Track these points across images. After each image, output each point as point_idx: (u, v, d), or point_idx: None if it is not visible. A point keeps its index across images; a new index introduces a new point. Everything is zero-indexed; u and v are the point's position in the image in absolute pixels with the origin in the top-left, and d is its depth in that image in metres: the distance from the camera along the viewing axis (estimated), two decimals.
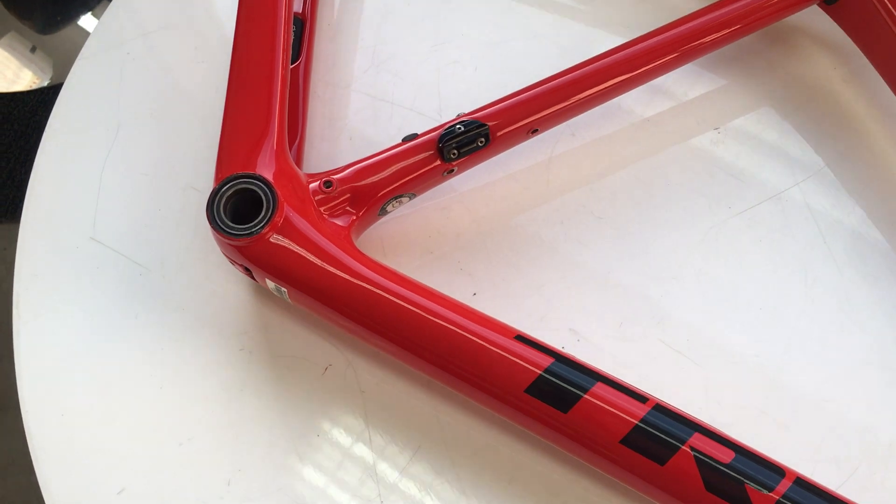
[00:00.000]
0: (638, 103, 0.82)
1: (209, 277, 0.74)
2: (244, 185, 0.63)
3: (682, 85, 0.83)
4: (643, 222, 0.75)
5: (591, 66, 0.71)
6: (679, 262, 0.73)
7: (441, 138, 0.67)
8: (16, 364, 0.72)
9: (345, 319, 0.63)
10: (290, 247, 0.63)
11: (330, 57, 0.85)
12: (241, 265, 0.65)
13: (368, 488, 0.66)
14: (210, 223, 0.63)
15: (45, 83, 1.83)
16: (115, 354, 0.72)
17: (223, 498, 0.66)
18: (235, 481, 0.67)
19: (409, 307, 0.62)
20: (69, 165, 0.81)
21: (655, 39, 0.73)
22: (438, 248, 0.75)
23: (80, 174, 0.80)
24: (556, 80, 0.71)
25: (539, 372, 0.59)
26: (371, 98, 0.82)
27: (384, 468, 0.66)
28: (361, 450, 0.67)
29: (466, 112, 0.70)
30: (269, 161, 0.66)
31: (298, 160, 0.75)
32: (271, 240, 0.63)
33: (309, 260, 0.63)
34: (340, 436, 0.68)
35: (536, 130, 0.71)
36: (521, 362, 0.59)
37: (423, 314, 0.61)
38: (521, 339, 0.61)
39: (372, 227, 0.74)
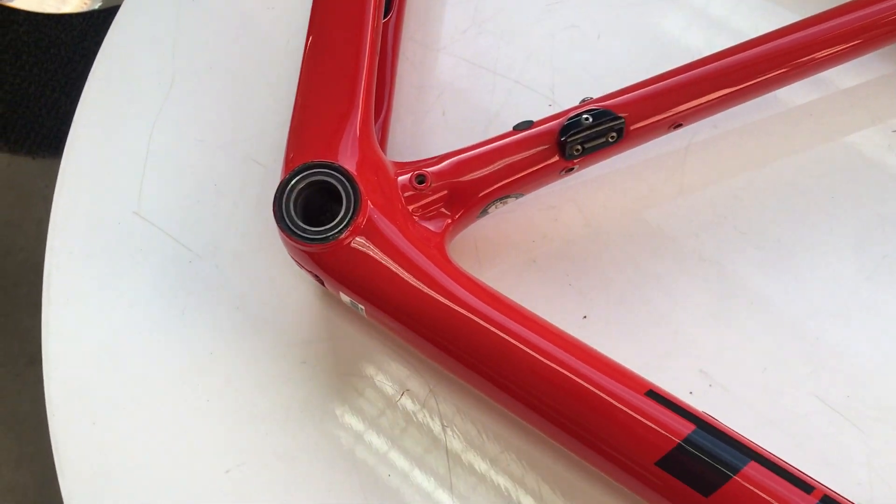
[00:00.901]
0: (791, 87, 0.69)
1: (271, 272, 0.64)
2: (320, 178, 0.53)
3: (849, 70, 0.69)
4: (797, 241, 0.63)
5: (756, 50, 0.58)
6: (842, 296, 0.61)
7: (563, 130, 0.55)
8: (44, 361, 0.64)
9: (434, 350, 0.53)
10: (373, 256, 0.52)
11: (421, 10, 0.73)
12: (311, 272, 0.55)
13: None
14: (277, 223, 0.52)
15: (96, 6, 1.73)
16: (156, 357, 0.63)
17: None
18: (239, 464, 0.58)
19: (514, 343, 0.51)
20: (114, 121, 0.71)
21: (842, 19, 0.59)
22: (543, 256, 0.63)
23: (126, 133, 0.70)
24: (711, 65, 0.58)
25: (676, 441, 0.48)
26: (469, 64, 0.70)
27: None
28: (441, 497, 0.58)
29: (595, 98, 0.57)
30: (352, 146, 0.55)
31: (383, 140, 0.64)
32: (352, 245, 0.52)
33: (394, 274, 0.52)
34: (418, 478, 0.58)
35: (680, 125, 0.59)
36: (655, 427, 0.48)
37: (531, 352, 0.50)
38: (654, 395, 0.50)
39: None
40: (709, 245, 0.63)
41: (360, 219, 0.52)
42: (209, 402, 0.61)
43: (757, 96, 0.61)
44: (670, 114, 0.57)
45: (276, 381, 0.61)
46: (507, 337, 0.51)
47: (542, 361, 0.50)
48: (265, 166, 0.68)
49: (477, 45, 0.70)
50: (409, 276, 0.52)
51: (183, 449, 0.60)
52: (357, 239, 0.52)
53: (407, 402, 0.60)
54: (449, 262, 0.54)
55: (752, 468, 0.47)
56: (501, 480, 0.58)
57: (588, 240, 0.63)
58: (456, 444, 0.59)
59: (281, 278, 0.63)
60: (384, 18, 0.66)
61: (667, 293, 0.61)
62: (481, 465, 0.58)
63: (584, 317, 0.61)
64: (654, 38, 0.70)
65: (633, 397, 0.49)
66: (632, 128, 0.56)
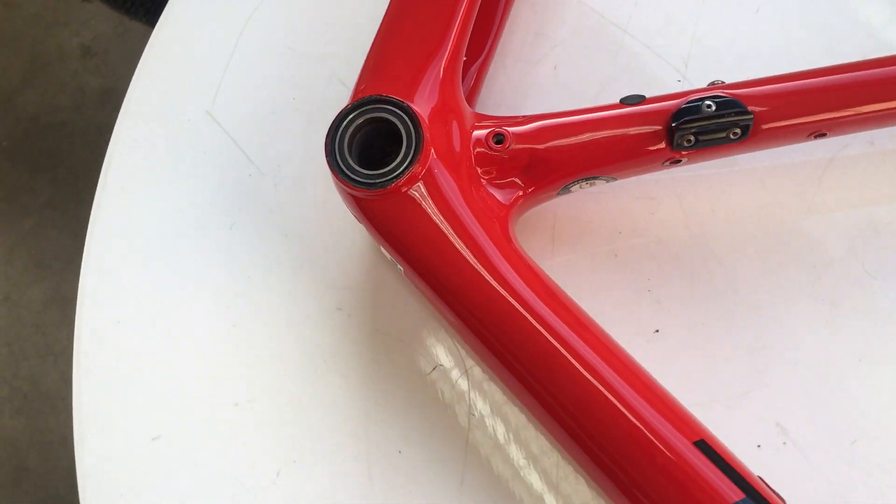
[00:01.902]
0: None
1: (328, 206, 0.60)
2: (382, 115, 0.47)
3: None
4: None
5: None
6: None
7: (677, 115, 0.47)
8: (86, 245, 0.62)
9: (466, 332, 0.48)
10: (423, 214, 0.47)
11: None
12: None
13: None
14: (327, 157, 0.47)
15: None
16: (194, 267, 0.60)
17: (266, 489, 0.55)
18: (286, 473, 0.55)
19: (556, 347, 0.44)
20: (209, 11, 0.68)
21: None
22: (627, 252, 0.56)
23: (217, 28, 0.67)
24: (879, 70, 0.48)
25: None
26: (598, 17, 0.62)
27: None
28: (447, 491, 0.53)
29: (726, 83, 0.49)
30: (430, 89, 0.49)
31: (475, 86, 0.57)
32: (402, 198, 0.47)
33: (441, 240, 0.46)
34: (429, 464, 0.54)
35: (824, 135, 0.49)
36: (694, 485, 0.42)
37: (572, 362, 0.44)
38: (705, 447, 0.43)
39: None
40: (828, 281, 0.53)
41: (417, 169, 0.46)
42: (235, 326, 0.58)
43: None
44: (814, 119, 0.48)
45: (306, 321, 0.58)
46: (549, 338, 0.45)
47: (581, 374, 0.44)
48: (349, 89, 0.63)
49: None
50: (458, 245, 0.46)
51: (197, 370, 0.58)
52: (410, 191, 0.47)
53: (437, 379, 0.55)
54: (509, 239, 0.48)
55: None
56: (517, 490, 0.52)
57: (684, 244, 0.55)
58: (479, 437, 0.54)
59: (336, 216, 0.59)
60: None
61: (761, 326, 0.53)
62: (500, 468, 0.53)
63: (657, 331, 0.54)
64: (831, 23, 0.59)
65: (678, 443, 0.42)
66: (762, 127, 0.48)
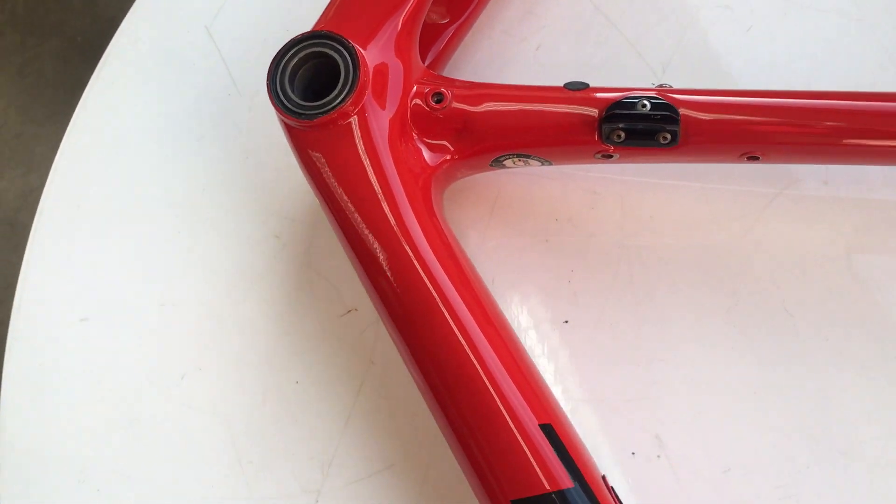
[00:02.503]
0: None
1: None
2: (323, 50, 0.49)
3: None
4: (850, 356, 0.52)
5: None
6: (875, 434, 0.50)
7: (610, 107, 0.48)
8: (68, 130, 0.66)
9: (363, 272, 0.49)
10: (348, 149, 0.48)
11: None
12: None
13: (312, 481, 0.54)
14: (267, 83, 0.50)
15: None
16: (156, 164, 0.64)
17: (168, 390, 0.58)
18: (189, 377, 0.58)
19: (439, 306, 0.46)
20: None
21: None
22: (558, 240, 0.57)
23: None
24: (824, 100, 0.47)
25: (543, 490, 0.42)
26: (591, 6, 0.62)
27: (337, 474, 0.54)
28: (330, 428, 0.55)
29: (674, 87, 0.49)
30: (386, 37, 0.50)
31: (448, 47, 0.58)
32: (329, 133, 0.49)
33: (359, 179, 0.48)
34: (318, 399, 0.56)
35: (757, 158, 0.49)
36: (528, 463, 0.43)
37: (449, 323, 0.45)
38: (550, 431, 0.44)
39: (495, 172, 0.57)
40: (744, 308, 0.53)
41: (349, 106, 0.48)
42: (178, 233, 0.62)
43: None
44: (743, 137, 0.48)
45: (245, 242, 0.60)
46: (432, 292, 0.46)
47: (451, 331, 0.45)
48: None
49: None
50: (374, 187, 0.48)
51: (133, 264, 0.61)
52: (339, 127, 0.48)
53: (349, 322, 0.57)
54: (427, 197, 0.50)
55: None
56: (393, 444, 0.54)
57: (614, 244, 0.56)
58: (372, 386, 0.55)
59: None
60: None
61: (666, 338, 0.53)
62: (384, 420, 0.55)
63: (566, 322, 0.55)
64: (821, 55, 0.58)
65: (525, 421, 0.43)
66: (692, 135, 0.48)
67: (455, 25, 0.58)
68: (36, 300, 0.62)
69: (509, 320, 0.50)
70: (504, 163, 0.52)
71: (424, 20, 0.57)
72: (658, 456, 0.51)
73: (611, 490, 0.44)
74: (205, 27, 0.67)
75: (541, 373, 0.48)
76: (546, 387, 0.47)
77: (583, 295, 0.55)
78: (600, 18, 0.61)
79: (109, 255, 0.62)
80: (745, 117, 0.47)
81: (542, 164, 0.52)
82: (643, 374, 0.53)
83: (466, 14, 0.58)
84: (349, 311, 0.58)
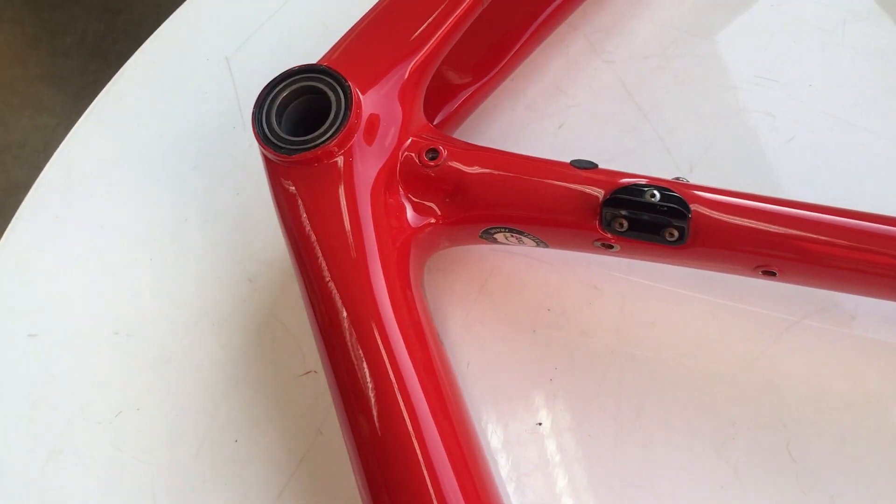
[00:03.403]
0: None
1: None
2: (316, 84, 0.46)
3: None
4: None
5: None
6: None
7: (615, 192, 0.43)
8: (73, 130, 0.65)
9: (319, 341, 0.45)
10: (326, 192, 0.45)
11: (606, 8, 0.62)
12: None
13: None
14: (253, 111, 0.47)
15: None
16: (142, 186, 0.61)
17: (100, 424, 0.53)
18: (125, 416, 0.53)
19: (389, 381, 0.41)
20: None
21: None
22: (548, 330, 0.51)
23: None
24: (858, 221, 0.42)
25: None
26: (624, 91, 0.58)
27: None
28: (261, 499, 0.50)
29: (690, 183, 0.44)
30: (391, 83, 0.47)
31: (462, 108, 0.55)
32: (315, 167, 0.45)
33: (331, 225, 0.44)
34: (259, 465, 0.51)
35: (773, 274, 0.44)
36: None
37: (398, 403, 0.41)
38: None
39: (488, 247, 0.53)
40: (743, 443, 0.47)
41: (334, 146, 0.44)
42: (151, 260, 0.58)
43: None
44: (759, 246, 0.43)
45: (215, 280, 0.57)
46: (387, 371, 0.41)
47: (404, 424, 0.40)
48: None
49: (647, 77, 0.58)
50: (345, 237, 0.44)
51: (101, 286, 0.58)
52: (320, 167, 0.45)
53: (306, 384, 0.52)
54: (402, 261, 0.45)
55: None
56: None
57: (607, 348, 0.50)
58: (315, 459, 0.50)
59: None
60: None
61: (648, 464, 0.47)
62: (320, 498, 0.49)
63: (539, 424, 0.49)
64: (864, 177, 0.53)
65: None
66: (700, 236, 0.43)
67: (473, 88, 0.55)
68: None
69: (477, 410, 0.44)
70: (495, 236, 0.48)
71: (442, 78, 0.54)
72: None
73: None
74: (225, 58, 0.65)
75: (498, 475, 0.42)
76: (498, 493, 0.41)
77: (563, 397, 0.49)
78: (631, 106, 0.57)
79: (74, 271, 0.59)
80: (764, 225, 0.42)
81: (538, 245, 0.48)
82: (615, 499, 0.47)
83: (488, 78, 0.55)
84: (307, 373, 0.53)
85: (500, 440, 0.49)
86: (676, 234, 0.43)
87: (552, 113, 0.58)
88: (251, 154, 0.61)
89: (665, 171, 0.53)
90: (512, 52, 0.56)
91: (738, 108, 0.56)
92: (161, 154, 0.62)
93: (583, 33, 0.61)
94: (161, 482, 0.51)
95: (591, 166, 0.45)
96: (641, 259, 0.47)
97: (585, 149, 0.57)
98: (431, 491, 0.39)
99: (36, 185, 0.62)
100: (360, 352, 0.42)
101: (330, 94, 0.46)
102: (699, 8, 0.61)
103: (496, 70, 0.55)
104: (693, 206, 0.42)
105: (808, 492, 0.45)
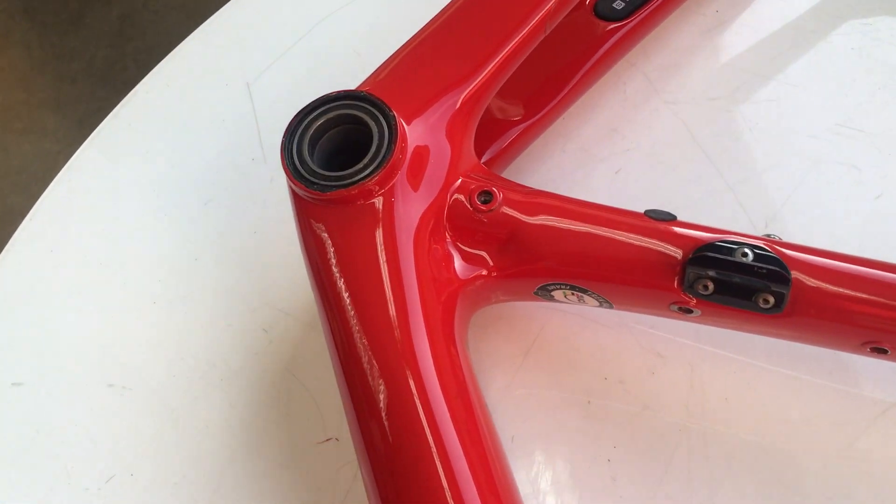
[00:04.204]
0: None
1: None
2: (355, 112, 0.41)
3: None
4: None
5: None
6: None
7: (701, 249, 0.37)
8: (66, 166, 0.59)
9: (350, 406, 0.39)
10: (363, 236, 0.39)
11: (672, 48, 0.57)
12: None
13: None
14: (283, 138, 0.41)
15: None
16: (153, 224, 0.55)
17: (87, 490, 0.47)
18: (116, 482, 0.47)
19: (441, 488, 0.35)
20: None
21: None
22: (604, 403, 0.45)
23: (300, 6, 0.63)
24: None
25: None
26: (689, 136, 0.52)
27: None
28: None
29: (783, 241, 0.39)
30: (439, 114, 0.42)
31: (512, 147, 0.49)
32: (351, 207, 0.39)
33: (367, 274, 0.38)
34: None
35: (885, 352, 0.38)
36: None
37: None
38: None
39: (539, 304, 0.47)
40: None
41: (373, 185, 0.39)
42: (154, 304, 0.52)
43: None
44: (870, 320, 0.37)
45: (226, 329, 0.51)
46: (429, 443, 0.35)
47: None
48: None
49: (714, 121, 0.53)
50: (379, 293, 0.38)
51: (97, 332, 0.52)
52: (357, 207, 0.39)
53: (326, 452, 0.46)
54: (447, 317, 0.39)
55: None
56: None
57: (673, 425, 0.44)
58: None
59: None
60: (614, 23, 0.52)
61: None
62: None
63: None
64: None
65: None
66: (799, 304, 0.37)
67: (524, 126, 0.49)
68: None
69: (525, 494, 0.38)
70: (553, 294, 0.42)
71: (490, 113, 0.48)
72: None
73: None
74: (246, 84, 0.60)
75: None
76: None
77: (623, 481, 0.43)
78: (697, 152, 0.52)
79: (68, 312, 0.53)
80: (881, 299, 0.36)
81: (601, 305, 0.42)
82: None
83: (540, 115, 0.50)
84: (328, 440, 0.46)
85: None
86: (772, 300, 0.37)
87: (607, 156, 0.53)
88: (273, 190, 0.55)
89: (738, 226, 0.47)
90: (567, 89, 0.50)
91: (817, 160, 0.50)
92: (171, 185, 0.57)
93: (641, 70, 0.56)
94: None
95: (669, 218, 0.39)
96: (723, 327, 0.41)
97: (646, 198, 0.51)
98: None
99: (31, 213, 0.57)
100: (399, 420, 0.36)
101: (371, 123, 0.40)
102: (768, 49, 0.56)
103: (549, 107, 0.50)
104: (793, 273, 0.36)
105: None
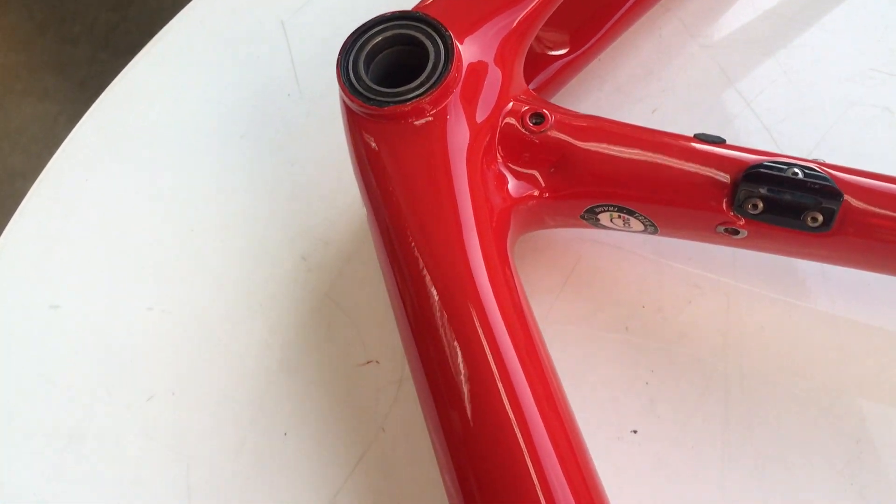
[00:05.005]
0: None
1: (345, 155, 0.54)
2: (411, 33, 0.41)
3: None
4: None
5: None
6: None
7: (752, 168, 0.39)
8: (100, 98, 0.59)
9: (398, 299, 0.40)
10: (417, 153, 0.40)
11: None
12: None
13: None
14: (339, 55, 0.42)
15: None
16: (189, 157, 0.56)
17: (129, 407, 0.47)
18: (157, 401, 0.47)
19: (488, 360, 0.36)
20: None
21: None
22: (642, 329, 0.46)
23: None
24: None
25: None
26: (723, 76, 0.53)
27: None
28: (317, 496, 0.44)
29: (829, 163, 0.40)
30: (491, 34, 0.43)
31: (553, 80, 0.50)
32: (405, 123, 0.40)
33: (422, 190, 0.39)
34: (311, 464, 0.45)
35: None
36: None
37: (499, 387, 0.35)
38: None
39: (574, 235, 0.48)
40: (868, 465, 0.42)
41: (428, 102, 0.40)
42: (191, 231, 0.53)
43: None
44: None
45: (264, 256, 0.52)
46: (487, 354, 0.36)
47: (505, 407, 0.35)
48: None
49: (749, 64, 0.54)
50: (435, 208, 0.39)
51: (134, 258, 0.53)
52: (411, 123, 0.40)
53: (366, 375, 0.47)
54: (499, 236, 0.40)
55: None
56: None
57: (710, 351, 0.45)
58: (376, 457, 0.45)
59: (348, 168, 0.53)
60: None
61: (756, 486, 0.42)
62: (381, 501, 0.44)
63: (634, 431, 0.44)
64: None
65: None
66: (848, 222, 0.38)
67: (567, 58, 0.50)
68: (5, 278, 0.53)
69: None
70: (599, 217, 0.43)
71: (535, 46, 0.49)
72: None
73: None
74: (281, 21, 0.61)
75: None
76: (594, 475, 0.36)
77: (661, 404, 0.44)
78: (732, 94, 0.53)
79: (105, 236, 0.53)
80: None
81: (645, 230, 0.43)
82: None
83: (583, 49, 0.50)
84: (369, 362, 0.47)
85: (590, 446, 0.43)
86: (821, 218, 0.38)
87: (644, 97, 0.54)
88: (309, 125, 0.56)
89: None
90: (613, 20, 0.51)
91: (851, 102, 0.52)
92: (207, 119, 0.57)
93: (676, 16, 0.57)
94: (198, 477, 0.45)
95: (719, 140, 0.41)
96: (765, 250, 0.42)
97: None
98: (539, 488, 0.33)
99: (69, 138, 0.57)
100: (456, 332, 0.37)
101: (427, 43, 0.41)
102: None
103: (593, 41, 0.51)
104: (843, 192, 0.38)
105: None
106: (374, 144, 0.41)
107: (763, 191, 0.38)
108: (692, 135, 0.41)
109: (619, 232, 0.45)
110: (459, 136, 0.41)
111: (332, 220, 0.52)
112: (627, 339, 0.46)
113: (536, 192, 0.42)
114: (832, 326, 0.46)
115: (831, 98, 0.52)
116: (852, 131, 0.51)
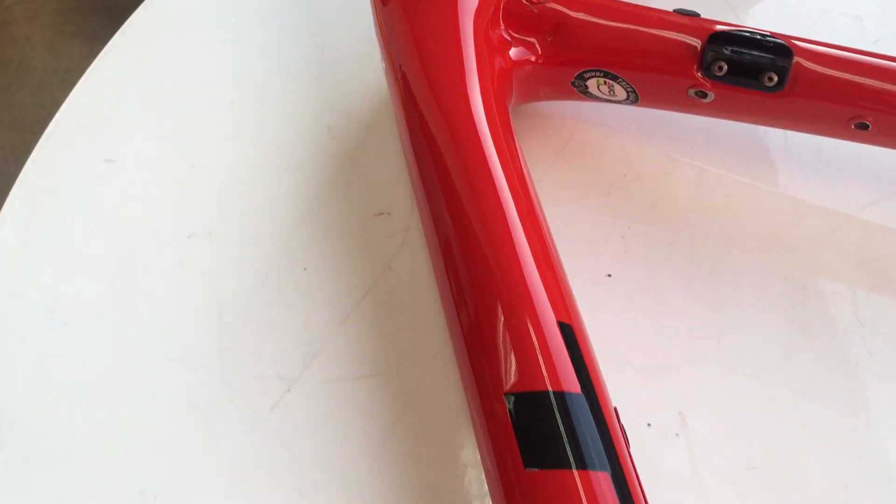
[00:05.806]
0: None
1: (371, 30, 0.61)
2: None
3: None
4: None
5: None
6: None
7: (718, 34, 0.45)
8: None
9: (409, 147, 0.46)
10: (434, 12, 0.46)
11: None
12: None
13: (290, 369, 0.49)
14: None
15: None
16: (230, 41, 0.63)
17: (171, 244, 0.54)
18: (197, 238, 0.54)
19: (490, 200, 0.41)
20: None
21: None
22: (622, 193, 0.52)
23: None
24: None
25: (543, 389, 0.37)
26: None
27: (319, 368, 0.49)
28: (326, 322, 0.51)
29: (784, 34, 0.46)
30: None
31: None
32: None
33: (435, 44, 0.46)
34: (326, 292, 0.52)
35: (867, 126, 0.45)
36: (533, 357, 0.37)
37: (500, 226, 0.41)
38: (567, 331, 0.39)
39: (568, 113, 0.54)
40: (811, 307, 0.48)
41: None
42: (233, 104, 0.60)
43: None
44: (854, 95, 0.44)
45: (292, 125, 0.58)
46: (485, 161, 0.42)
47: (494, 214, 0.41)
48: None
49: None
50: (444, 59, 0.46)
51: (172, 127, 0.59)
52: None
53: (378, 224, 0.54)
54: (500, 94, 0.46)
55: (599, 479, 0.35)
56: (388, 351, 0.49)
57: (681, 210, 0.51)
58: (382, 292, 0.51)
59: (373, 43, 0.60)
60: None
61: (715, 317, 0.48)
62: (386, 328, 0.50)
63: (609, 275, 0.50)
64: None
65: (543, 314, 0.39)
66: (798, 84, 0.44)
67: None
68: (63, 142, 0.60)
69: None
70: (588, 83, 0.49)
71: None
72: (676, 434, 0.45)
73: (621, 425, 0.38)
74: None
75: None
76: (569, 288, 0.42)
77: (634, 252, 0.51)
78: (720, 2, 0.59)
79: (156, 104, 0.61)
80: (864, 79, 0.43)
81: (627, 97, 0.49)
82: (680, 347, 0.48)
83: None
84: (381, 214, 0.54)
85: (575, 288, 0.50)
86: (776, 77, 0.44)
87: None
88: (340, 17, 0.63)
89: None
90: None
91: (824, 10, 0.57)
92: (249, 9, 0.64)
93: None
94: (228, 299, 0.52)
95: (693, 14, 0.47)
96: (731, 116, 0.48)
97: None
98: (522, 282, 0.39)
99: (129, 21, 0.64)
100: (461, 173, 0.42)
101: None
102: None
103: None
104: (794, 53, 0.44)
105: (874, 353, 0.46)
106: (391, 9, 0.47)
107: (727, 51, 0.44)
108: (672, 9, 0.47)
109: (607, 106, 0.52)
110: (469, 1, 0.47)
111: (356, 95, 0.59)
112: (609, 200, 0.53)
113: (533, 58, 0.48)
114: (793, 189, 0.52)
115: (804, 6, 0.58)
116: (824, 36, 0.56)
